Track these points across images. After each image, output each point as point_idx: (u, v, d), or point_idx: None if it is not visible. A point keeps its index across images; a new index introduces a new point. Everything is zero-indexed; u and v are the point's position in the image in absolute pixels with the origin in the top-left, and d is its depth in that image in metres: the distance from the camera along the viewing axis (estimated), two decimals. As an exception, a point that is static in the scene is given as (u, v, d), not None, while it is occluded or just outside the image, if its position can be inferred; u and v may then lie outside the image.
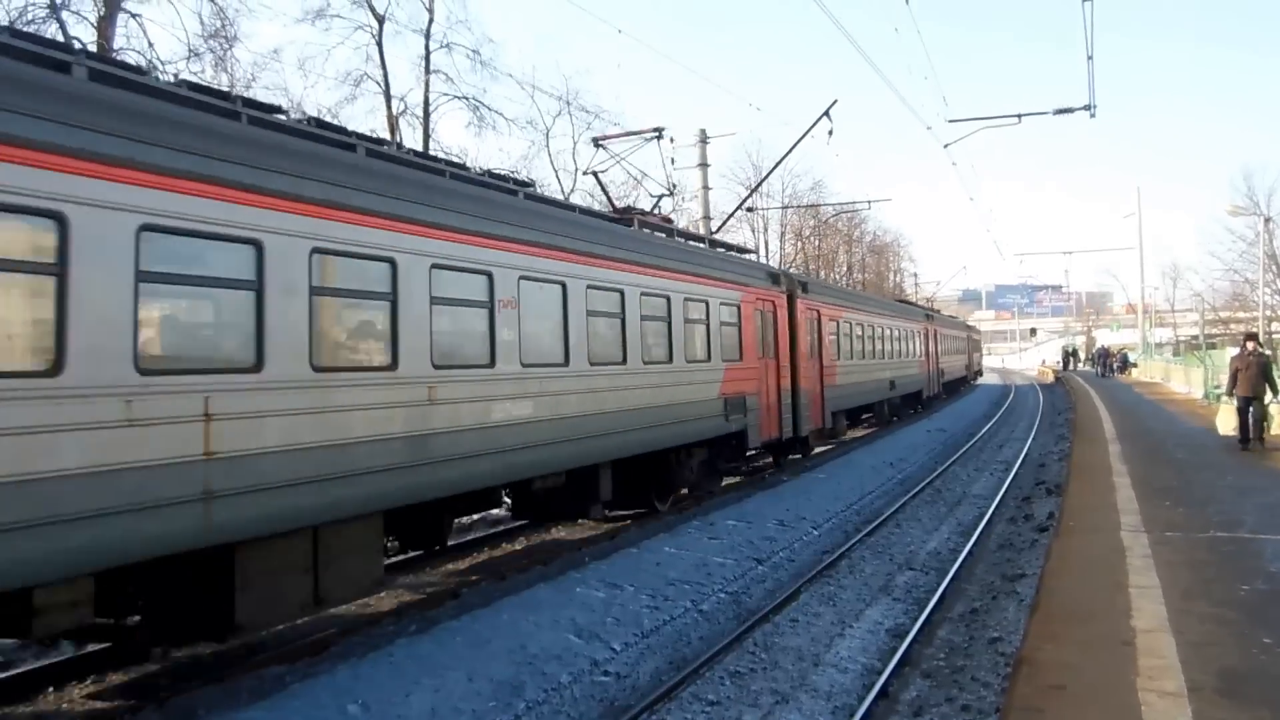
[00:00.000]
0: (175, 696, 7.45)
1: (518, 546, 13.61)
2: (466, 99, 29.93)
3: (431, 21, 28.76)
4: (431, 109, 29.34)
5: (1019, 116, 24.46)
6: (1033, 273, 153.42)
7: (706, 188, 27.50)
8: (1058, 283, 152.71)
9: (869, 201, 50.97)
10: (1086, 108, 23.67)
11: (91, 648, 8.61)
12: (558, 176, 35.36)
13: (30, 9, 18.87)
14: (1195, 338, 66.41)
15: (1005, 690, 6.86)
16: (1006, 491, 17.52)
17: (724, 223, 31.42)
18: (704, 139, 26.98)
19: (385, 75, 28.58)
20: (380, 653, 8.33)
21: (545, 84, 52.42)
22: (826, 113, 24.14)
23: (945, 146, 27.29)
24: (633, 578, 10.94)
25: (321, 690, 7.42)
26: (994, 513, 15.32)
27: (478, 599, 10.21)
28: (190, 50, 21.61)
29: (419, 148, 28.27)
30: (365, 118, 29.47)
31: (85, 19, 20.07)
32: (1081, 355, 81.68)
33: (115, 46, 20.08)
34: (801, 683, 7.97)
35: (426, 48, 28.84)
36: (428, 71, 29.00)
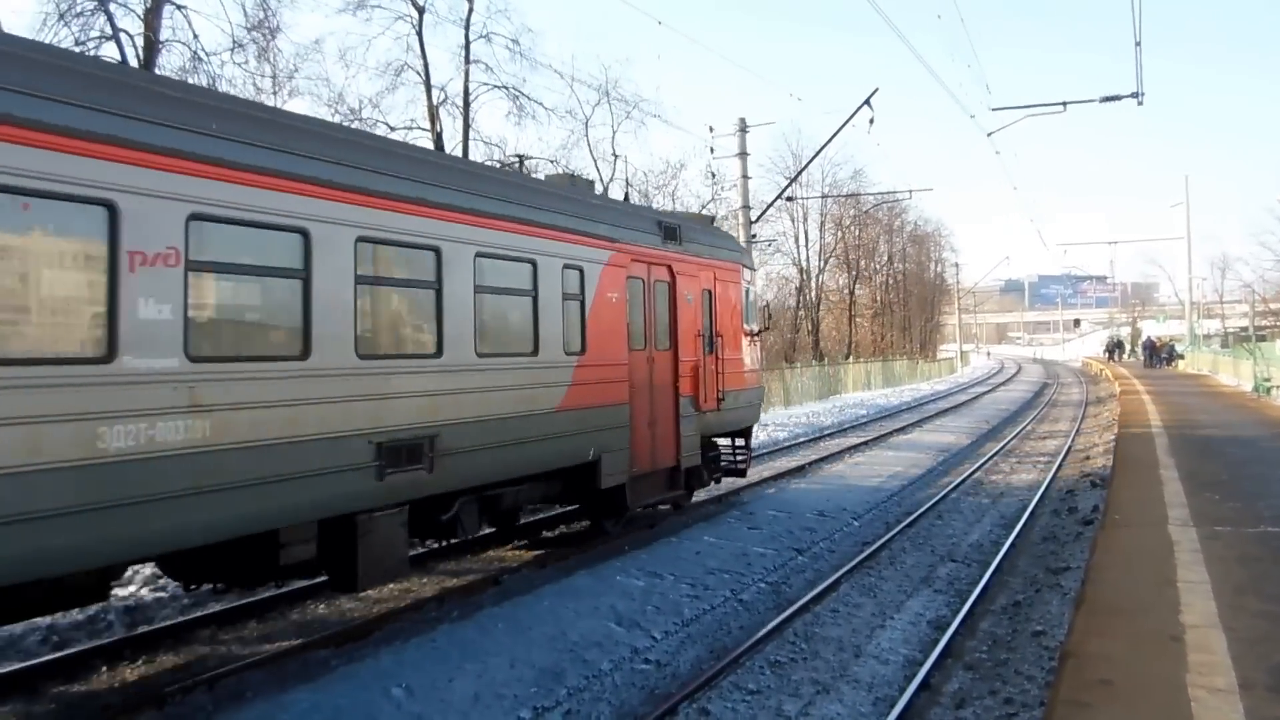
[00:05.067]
0: (225, 678, 7.61)
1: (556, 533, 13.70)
2: (506, 88, 30.10)
3: (471, 11, 29.06)
4: (471, 99, 29.62)
5: (1064, 104, 24.12)
6: (1077, 263, 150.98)
7: (746, 176, 27.42)
8: (1102, 273, 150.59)
9: (910, 191, 50.29)
10: (1134, 95, 23.24)
11: (142, 629, 8.81)
12: (596, 165, 35.37)
13: (79, 2, 19.23)
14: (1244, 329, 64.96)
15: (1050, 684, 6.79)
16: (1050, 484, 17.30)
17: (763, 212, 31.30)
18: (743, 128, 26.88)
19: (425, 65, 28.94)
20: (423, 638, 8.44)
21: (584, 74, 52.46)
22: (867, 101, 23.96)
23: (989, 135, 27.09)
24: (672, 566, 10.96)
25: (366, 673, 7.55)
26: (1037, 505, 15.14)
27: (519, 586, 10.30)
28: (234, 41, 21.93)
29: (459, 137, 28.56)
30: (406, 108, 29.73)
31: (132, 11, 20.39)
32: (1127, 347, 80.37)
33: (161, 38, 20.39)
34: (842, 673, 7.95)
35: (466, 37, 29.15)
36: (467, 61, 29.27)
